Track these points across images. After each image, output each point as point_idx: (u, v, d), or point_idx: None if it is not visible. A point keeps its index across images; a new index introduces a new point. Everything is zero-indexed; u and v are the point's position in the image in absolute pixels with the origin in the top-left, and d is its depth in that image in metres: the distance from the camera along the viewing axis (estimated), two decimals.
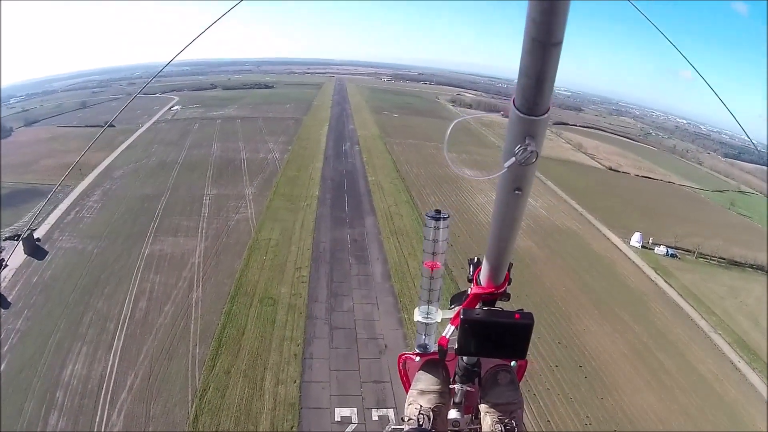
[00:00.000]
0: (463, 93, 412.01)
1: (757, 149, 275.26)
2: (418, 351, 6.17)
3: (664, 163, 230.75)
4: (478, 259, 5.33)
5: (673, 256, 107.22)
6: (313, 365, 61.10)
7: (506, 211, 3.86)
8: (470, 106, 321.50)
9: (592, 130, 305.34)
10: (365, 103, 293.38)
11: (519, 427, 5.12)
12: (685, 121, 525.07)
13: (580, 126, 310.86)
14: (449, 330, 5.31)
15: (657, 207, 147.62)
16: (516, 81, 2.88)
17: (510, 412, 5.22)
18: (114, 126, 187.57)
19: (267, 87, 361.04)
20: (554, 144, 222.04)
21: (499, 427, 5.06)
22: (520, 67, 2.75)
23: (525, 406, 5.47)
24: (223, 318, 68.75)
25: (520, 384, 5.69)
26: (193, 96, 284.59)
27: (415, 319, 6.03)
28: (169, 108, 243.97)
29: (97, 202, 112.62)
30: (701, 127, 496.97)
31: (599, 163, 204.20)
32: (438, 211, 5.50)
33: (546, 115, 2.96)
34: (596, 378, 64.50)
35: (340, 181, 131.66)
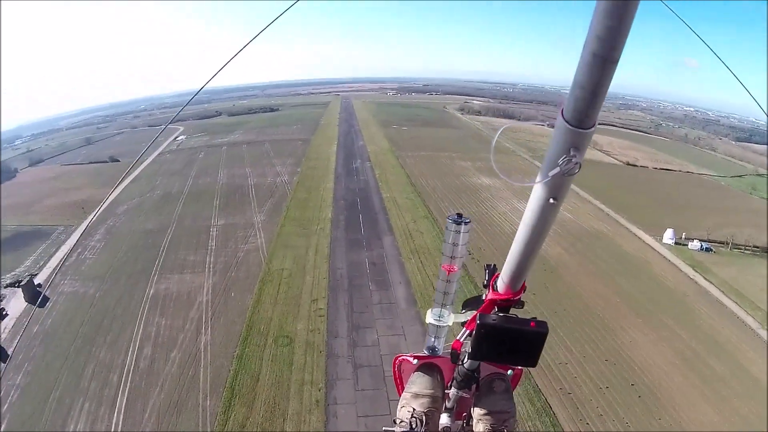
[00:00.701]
0: (470, 101, 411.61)
1: None
2: (425, 353, 6.20)
3: (679, 153, 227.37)
4: (494, 265, 5.18)
5: (707, 250, 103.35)
6: (338, 412, 54.71)
7: (538, 219, 3.76)
8: (479, 113, 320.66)
9: (603, 126, 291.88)
10: (373, 118, 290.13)
11: None
12: (692, 109, 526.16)
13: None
14: (463, 334, 5.27)
15: (681, 200, 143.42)
16: (569, 92, 2.85)
17: (503, 421, 5.17)
18: (118, 161, 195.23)
19: (272, 110, 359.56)
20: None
21: None
22: (575, 80, 2.74)
23: None
24: (235, 363, 62.58)
25: (515, 392, 5.74)
26: (198, 124, 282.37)
27: (427, 321, 6.15)
28: (174, 138, 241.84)
29: (100, 240, 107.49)
30: (709, 113, 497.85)
31: (615, 159, 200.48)
32: (460, 215, 5.49)
33: (593, 129, 2.96)
34: (650, 395, 59.20)
35: (353, 200, 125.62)
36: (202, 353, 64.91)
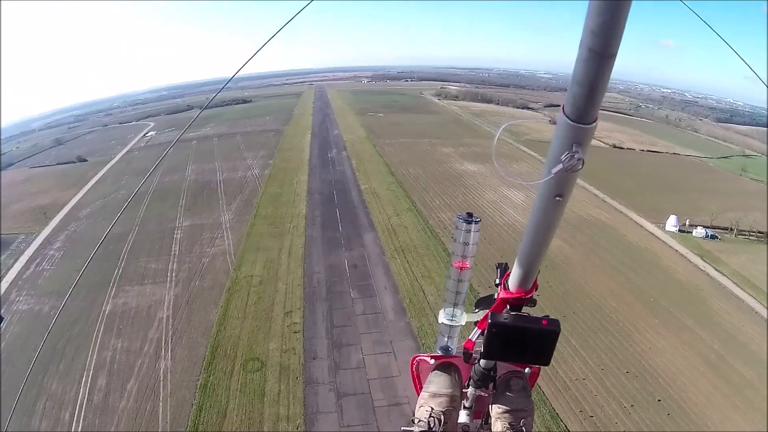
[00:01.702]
0: (446, 86, 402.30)
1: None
2: (439, 353, 5.86)
3: (663, 135, 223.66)
4: (506, 264, 4.99)
5: (713, 237, 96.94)
6: None
7: (545, 217, 3.60)
8: (456, 98, 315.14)
9: None
10: (348, 106, 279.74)
11: None
12: (670, 90, 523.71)
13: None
14: (475, 333, 5.14)
15: (674, 182, 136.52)
16: (568, 89, 2.78)
17: (521, 419, 5.07)
18: (86, 160, 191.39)
19: (245, 102, 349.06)
20: (551, 127, 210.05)
21: None
22: (573, 76, 2.68)
23: None
24: (199, 395, 53.60)
25: (532, 391, 5.52)
26: (169, 119, 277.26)
27: (440, 321, 5.80)
28: (144, 134, 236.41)
29: (59, 249, 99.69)
30: (686, 94, 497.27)
31: (601, 141, 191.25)
32: (470, 214, 5.27)
33: (594, 123, 2.87)
34: (679, 412, 51.91)
35: (330, 194, 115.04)
36: (162, 383, 55.95)
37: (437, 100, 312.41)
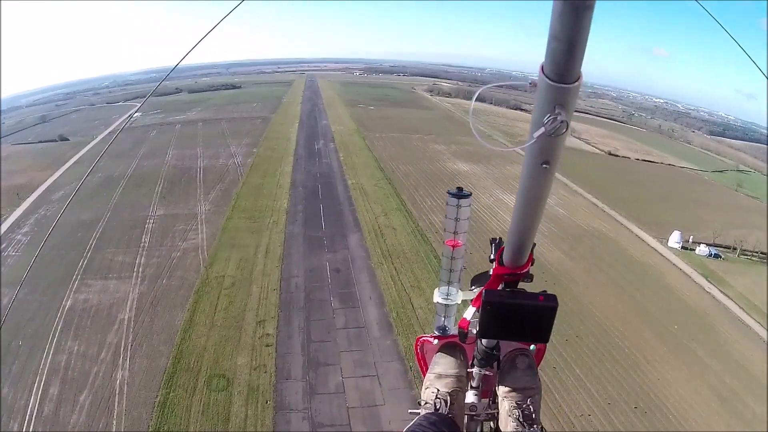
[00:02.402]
0: (439, 83, 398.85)
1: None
2: (436, 333, 5.86)
3: (656, 144, 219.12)
4: (500, 238, 4.87)
5: (716, 256, 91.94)
6: None
7: (532, 186, 3.50)
8: (449, 95, 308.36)
9: (577, 114, 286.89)
10: (338, 97, 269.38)
11: (537, 412, 4.93)
12: (662, 100, 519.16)
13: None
14: (470, 312, 4.95)
15: (671, 194, 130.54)
16: (546, 47, 2.61)
17: (528, 397, 4.99)
18: (68, 140, 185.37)
19: (234, 87, 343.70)
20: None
21: (516, 412, 4.85)
22: (550, 32, 2.51)
23: None
24: (156, 415, 47.02)
25: (539, 368, 5.46)
26: (156, 102, 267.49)
27: (435, 300, 5.70)
28: (129, 116, 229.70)
29: (27, 234, 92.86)
30: (678, 105, 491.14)
31: (596, 147, 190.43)
32: (460, 189, 5.12)
33: (577, 82, 2.66)
34: None
35: (314, 188, 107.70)
36: (117, 397, 49.43)
37: (429, 96, 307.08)
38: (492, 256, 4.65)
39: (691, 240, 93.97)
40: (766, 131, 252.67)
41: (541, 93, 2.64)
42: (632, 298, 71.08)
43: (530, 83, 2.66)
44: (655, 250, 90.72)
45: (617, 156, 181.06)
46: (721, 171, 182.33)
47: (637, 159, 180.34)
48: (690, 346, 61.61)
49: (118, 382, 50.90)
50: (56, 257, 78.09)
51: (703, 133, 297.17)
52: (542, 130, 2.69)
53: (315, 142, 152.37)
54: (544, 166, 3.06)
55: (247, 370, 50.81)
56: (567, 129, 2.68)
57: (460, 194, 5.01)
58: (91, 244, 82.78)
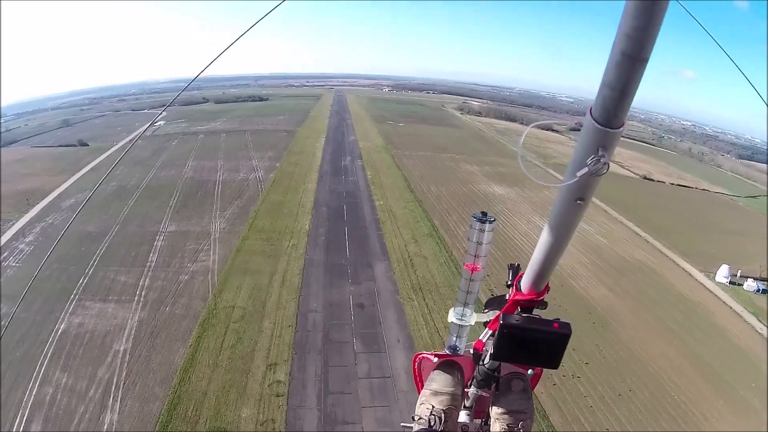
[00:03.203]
0: (468, 101, 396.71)
1: None
2: (446, 352, 5.80)
3: (688, 168, 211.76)
4: (518, 265, 4.96)
5: (764, 291, 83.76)
6: None
7: (564, 220, 3.60)
8: (479, 114, 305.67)
9: None
10: (366, 112, 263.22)
11: None
12: (690, 123, 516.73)
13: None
14: (486, 334, 5.15)
15: (711, 222, 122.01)
16: (597, 92, 2.76)
17: (519, 421, 5.07)
18: (87, 145, 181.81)
19: (261, 99, 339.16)
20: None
21: None
22: (604, 79, 2.67)
23: None
24: None
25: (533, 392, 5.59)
26: (182, 110, 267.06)
27: (449, 320, 5.75)
28: (152, 123, 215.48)
29: (30, 244, 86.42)
30: (706, 128, 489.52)
31: (630, 171, 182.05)
32: (484, 213, 5.24)
33: (622, 128, 2.84)
34: None
35: (339, 208, 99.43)
36: None
37: (459, 114, 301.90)
38: (509, 281, 4.70)
39: (739, 274, 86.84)
40: None
41: (587, 134, 2.80)
42: (683, 342, 64.14)
43: (576, 123, 2.86)
44: (702, 284, 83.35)
45: (652, 180, 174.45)
46: (754, 197, 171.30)
47: (672, 184, 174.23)
48: (750, 401, 54.75)
49: (105, 426, 44.27)
50: (56, 271, 72.34)
51: (732, 157, 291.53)
52: (585, 169, 2.84)
53: (341, 158, 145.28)
54: (579, 202, 3.22)
55: (253, 425, 43.03)
56: (607, 170, 2.82)
57: (484, 219, 5.07)
58: (95, 260, 76.17)
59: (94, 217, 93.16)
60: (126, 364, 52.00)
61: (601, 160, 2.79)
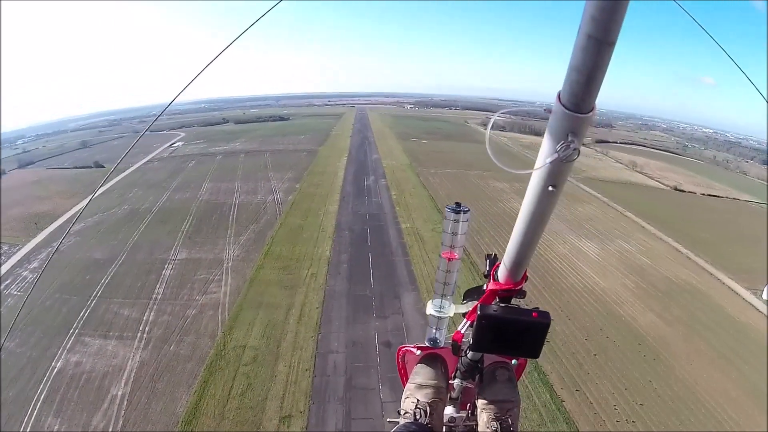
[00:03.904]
0: (491, 116, 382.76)
1: None
2: (427, 344, 5.99)
3: (715, 177, 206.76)
4: (495, 255, 5.03)
5: None
6: None
7: (537, 207, 3.60)
8: (503, 129, 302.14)
9: (632, 146, 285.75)
10: (389, 130, 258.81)
11: (515, 425, 5.06)
12: (711, 130, 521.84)
13: (620, 143, 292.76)
14: (464, 325, 5.19)
15: (747, 234, 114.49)
16: (565, 76, 2.74)
17: (506, 410, 5.12)
18: (103, 167, 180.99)
19: (282, 119, 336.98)
20: (605, 164, 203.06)
21: (494, 424, 4.97)
22: (571, 63, 2.65)
23: None
24: None
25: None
26: (201, 131, 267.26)
27: (428, 313, 5.88)
28: (170, 144, 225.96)
29: (35, 270, 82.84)
30: (728, 135, 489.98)
31: (659, 182, 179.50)
32: (458, 204, 5.22)
33: (591, 113, 2.84)
34: None
35: (362, 231, 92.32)
36: None
37: (483, 130, 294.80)
38: (486, 272, 4.69)
39: None
40: None
41: (556, 120, 2.80)
42: (740, 372, 57.63)
43: (545, 110, 2.77)
44: (750, 304, 76.78)
45: (683, 191, 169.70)
46: None
47: (703, 194, 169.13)
48: None
49: None
50: (58, 301, 68.96)
51: (756, 163, 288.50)
52: (555, 155, 2.87)
53: (364, 177, 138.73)
54: (551, 189, 3.22)
55: None
56: (578, 156, 2.84)
57: (458, 209, 5.07)
58: (98, 290, 71.43)
59: (102, 243, 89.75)
60: (123, 413, 46.70)
61: (571, 146, 2.81)
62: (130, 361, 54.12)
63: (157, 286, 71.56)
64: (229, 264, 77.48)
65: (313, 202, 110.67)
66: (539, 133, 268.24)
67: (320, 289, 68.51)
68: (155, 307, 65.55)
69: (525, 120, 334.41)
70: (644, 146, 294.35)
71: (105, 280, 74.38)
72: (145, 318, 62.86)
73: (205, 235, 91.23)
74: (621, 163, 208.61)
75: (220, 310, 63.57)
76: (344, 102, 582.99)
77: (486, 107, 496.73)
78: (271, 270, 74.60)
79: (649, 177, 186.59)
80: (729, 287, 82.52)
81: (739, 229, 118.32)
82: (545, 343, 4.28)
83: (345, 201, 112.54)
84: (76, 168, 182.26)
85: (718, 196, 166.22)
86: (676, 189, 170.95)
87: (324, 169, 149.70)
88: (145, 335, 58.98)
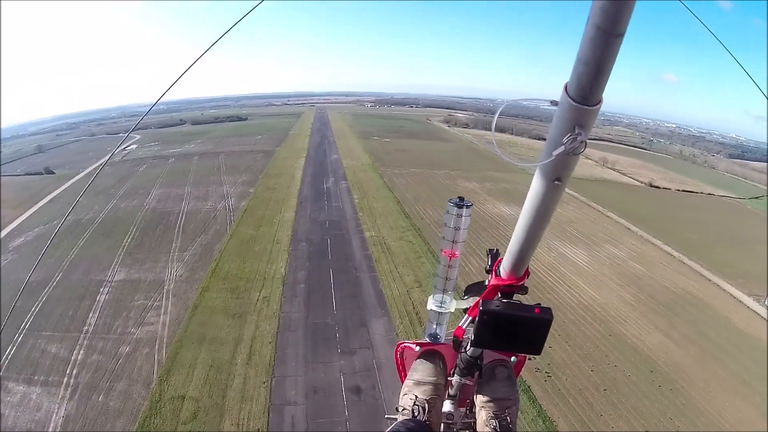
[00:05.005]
0: (454, 113, 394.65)
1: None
2: (427, 340, 5.79)
3: (686, 172, 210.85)
4: (497, 250, 4.83)
5: None
6: None
7: (542, 201, 3.48)
8: (467, 126, 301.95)
9: (599, 142, 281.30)
10: (350, 128, 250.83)
11: (513, 423, 4.99)
12: (674, 125, 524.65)
13: (588, 139, 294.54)
14: (465, 321, 4.90)
15: (731, 232, 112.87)
16: (572, 68, 2.68)
17: (505, 408, 5.03)
18: (53, 173, 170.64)
19: (240, 119, 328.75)
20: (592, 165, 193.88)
21: (493, 422, 4.88)
22: (579, 55, 2.60)
23: None
24: None
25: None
26: (157, 133, 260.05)
27: (428, 308, 5.66)
28: (124, 148, 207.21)
29: None
30: (691, 129, 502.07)
31: (633, 179, 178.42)
32: (461, 198, 5.17)
33: (598, 106, 2.77)
34: None
35: (321, 242, 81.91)
36: None
37: (446, 127, 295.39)
38: (488, 267, 4.58)
39: None
40: None
41: (563, 112, 2.73)
42: (757, 393, 51.33)
43: (552, 102, 2.73)
44: (755, 312, 71.36)
45: (658, 187, 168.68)
46: (757, 197, 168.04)
47: (678, 190, 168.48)
48: None
49: None
50: None
51: (722, 157, 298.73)
52: (562, 148, 2.78)
53: (324, 179, 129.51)
54: (557, 182, 3.14)
55: None
56: (584, 148, 2.77)
57: (461, 204, 5.00)
58: (27, 321, 60.33)
59: (41, 262, 77.06)
60: None
61: (578, 139, 2.74)
62: (54, 415, 44.35)
63: (90, 314, 61.13)
64: (171, 286, 67.10)
65: (268, 209, 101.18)
66: (503, 130, 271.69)
67: (273, 316, 57.82)
68: (86, 342, 55.16)
69: (487, 117, 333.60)
70: (611, 142, 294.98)
71: (35, 308, 63.73)
72: (73, 357, 52.61)
73: (147, 250, 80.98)
74: (591, 159, 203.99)
75: (156, 346, 52.95)
76: (304, 101, 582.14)
77: (447, 105, 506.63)
78: (218, 293, 64.17)
79: (622, 173, 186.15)
80: (730, 294, 77.80)
81: (725, 229, 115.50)
82: (545, 342, 4.05)
83: (302, 206, 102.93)
84: (27, 174, 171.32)
85: (693, 192, 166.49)
86: (651, 185, 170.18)
87: (281, 170, 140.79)
88: (72, 380, 48.91)
